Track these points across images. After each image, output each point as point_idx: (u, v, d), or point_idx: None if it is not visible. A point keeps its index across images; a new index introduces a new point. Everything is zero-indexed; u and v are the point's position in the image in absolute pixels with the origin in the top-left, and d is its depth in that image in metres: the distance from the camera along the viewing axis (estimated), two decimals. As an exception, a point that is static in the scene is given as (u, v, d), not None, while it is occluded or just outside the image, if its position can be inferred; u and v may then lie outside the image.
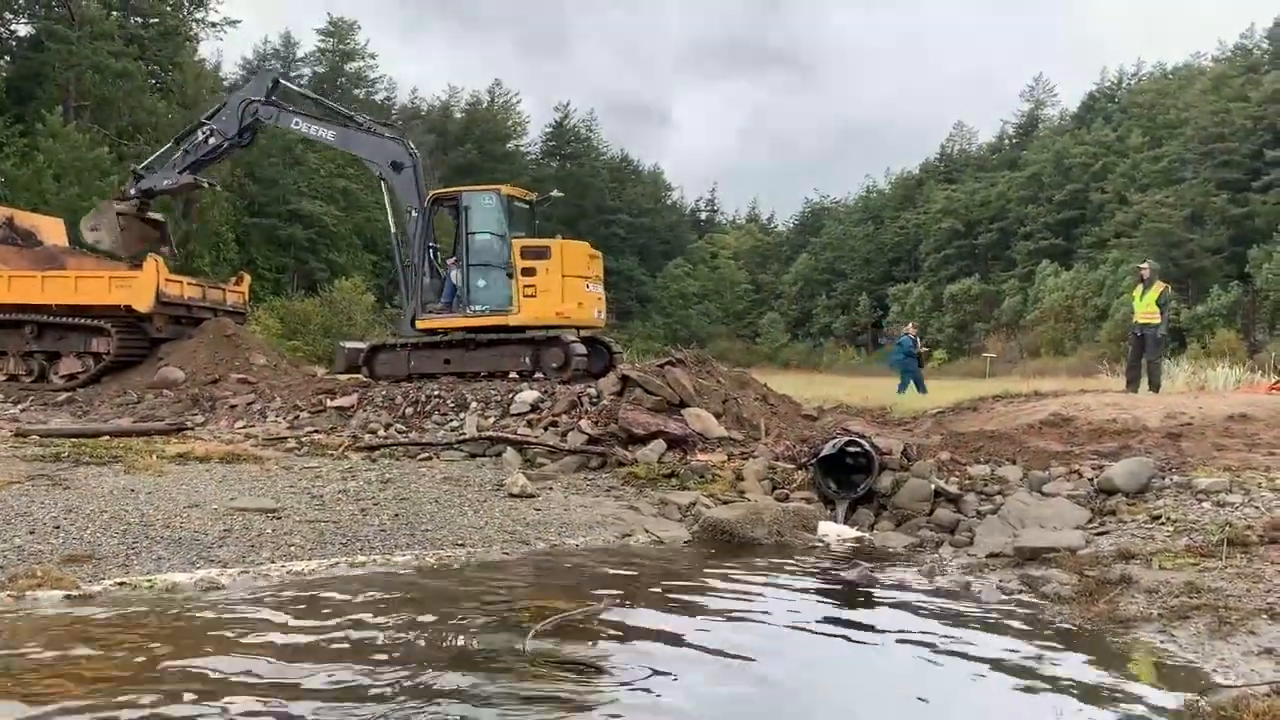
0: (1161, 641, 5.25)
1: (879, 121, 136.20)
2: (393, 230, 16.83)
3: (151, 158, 19.58)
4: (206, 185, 21.16)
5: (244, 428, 13.59)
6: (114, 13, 45.61)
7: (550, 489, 9.74)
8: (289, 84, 18.33)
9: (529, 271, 15.10)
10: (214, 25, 52.80)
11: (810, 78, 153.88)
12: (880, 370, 50.22)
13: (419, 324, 15.82)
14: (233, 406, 14.76)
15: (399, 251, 16.69)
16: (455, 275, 15.70)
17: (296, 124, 17.71)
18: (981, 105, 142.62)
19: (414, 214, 16.05)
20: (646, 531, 8.25)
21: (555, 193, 19.16)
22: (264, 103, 17.35)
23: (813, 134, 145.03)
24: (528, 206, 16.49)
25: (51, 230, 20.68)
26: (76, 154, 37.42)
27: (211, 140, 17.71)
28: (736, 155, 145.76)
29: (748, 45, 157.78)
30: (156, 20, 48.02)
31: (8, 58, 45.28)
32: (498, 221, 15.51)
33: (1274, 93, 59.67)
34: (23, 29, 45.96)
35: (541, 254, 15.27)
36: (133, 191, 18.64)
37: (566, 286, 15.25)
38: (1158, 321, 14.25)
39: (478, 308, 15.45)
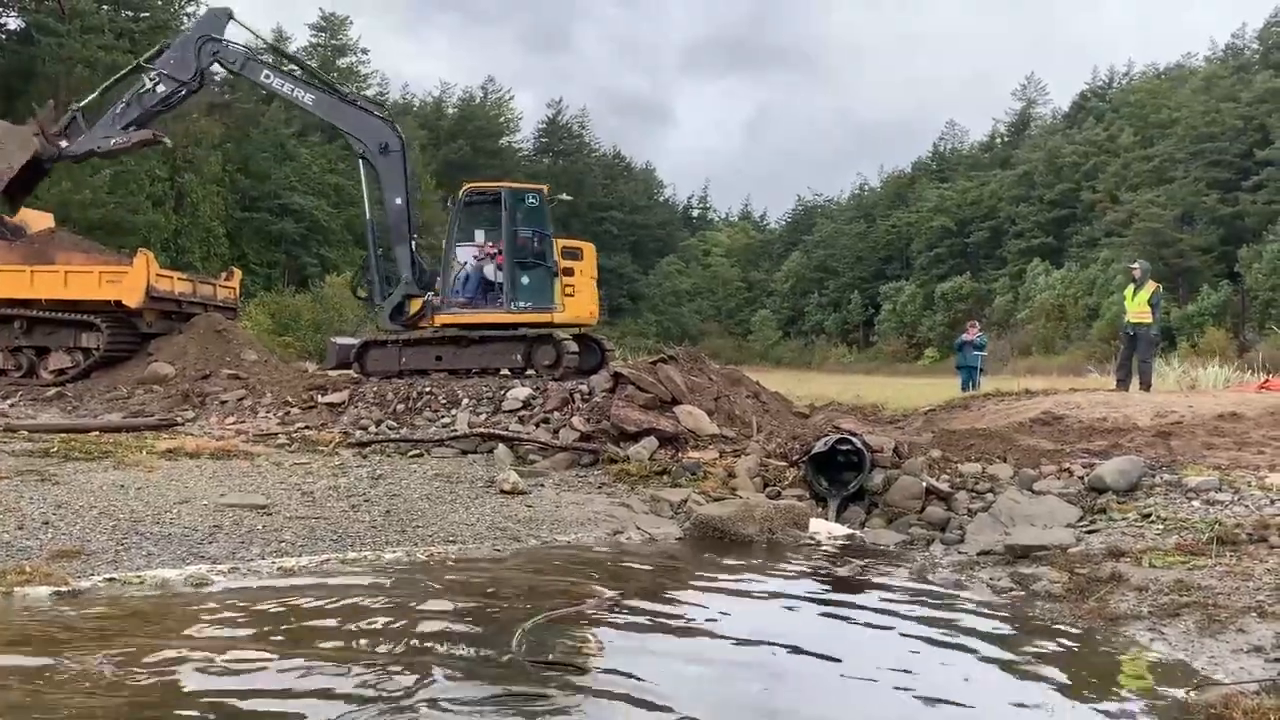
0: (1151, 639, 5.27)
1: (877, 120, 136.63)
2: (368, 216, 16.01)
3: (85, 100, 16.87)
4: (166, 141, 19.02)
5: (234, 424, 13.54)
6: (104, 7, 45.42)
7: (542, 486, 9.72)
8: (247, 27, 16.16)
9: (568, 272, 15.27)
10: (205, 20, 52.60)
11: (810, 76, 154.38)
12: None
13: (440, 319, 15.39)
14: (223, 402, 14.70)
15: (374, 239, 16.06)
16: (490, 270, 15.51)
17: (267, 77, 15.86)
18: (978, 104, 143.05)
19: (399, 202, 15.80)
20: (638, 529, 8.25)
21: (563, 195, 19.08)
22: (229, 43, 15.55)
23: (813, 132, 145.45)
24: None
25: (40, 224, 20.54)
26: (67, 148, 37.16)
27: (161, 88, 15.63)
28: (735, 152, 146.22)
29: (749, 43, 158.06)
30: (147, 14, 47.83)
31: (-3, 51, 45.02)
32: (543, 220, 15.51)
33: (1264, 93, 59.96)
34: (12, 22, 45.73)
35: (576, 255, 15.54)
36: (63, 145, 16.36)
37: (592, 288, 15.61)
38: (1149, 321, 14.28)
39: (522, 304, 15.20)
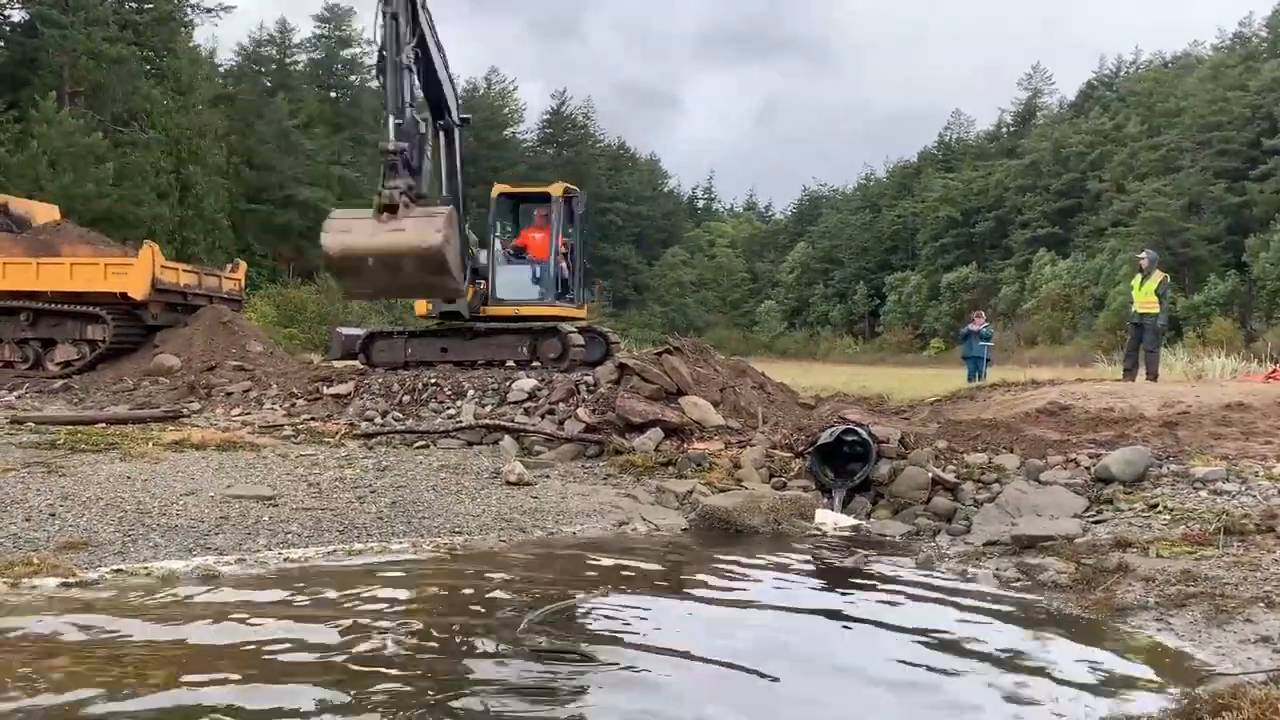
0: (1158, 630, 5.25)
1: (885, 112, 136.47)
2: (444, 193, 14.89)
3: (392, 140, 12.44)
4: None
5: (240, 415, 13.56)
6: (108, -2, 45.38)
7: (547, 477, 9.73)
8: None
9: None
10: (209, 11, 52.63)
11: (817, 67, 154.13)
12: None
13: (524, 310, 15.47)
14: (229, 394, 14.73)
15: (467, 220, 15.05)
16: (564, 267, 16.00)
17: (430, 25, 13.69)
18: (986, 94, 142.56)
19: (460, 180, 15.38)
20: (643, 519, 8.24)
21: None
22: None
23: (820, 123, 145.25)
24: None
25: (46, 217, 20.59)
26: (71, 140, 37.29)
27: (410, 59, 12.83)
28: (740, 142, 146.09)
29: (756, 34, 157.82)
30: (151, 6, 47.77)
31: (1, 43, 45.04)
32: (590, 222, 16.94)
33: (1272, 81, 59.64)
34: (16, 14, 45.74)
35: None
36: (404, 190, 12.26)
37: None
38: (1156, 311, 14.24)
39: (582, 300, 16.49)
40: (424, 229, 12.02)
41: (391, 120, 12.57)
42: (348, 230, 11.87)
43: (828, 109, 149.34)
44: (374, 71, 12.91)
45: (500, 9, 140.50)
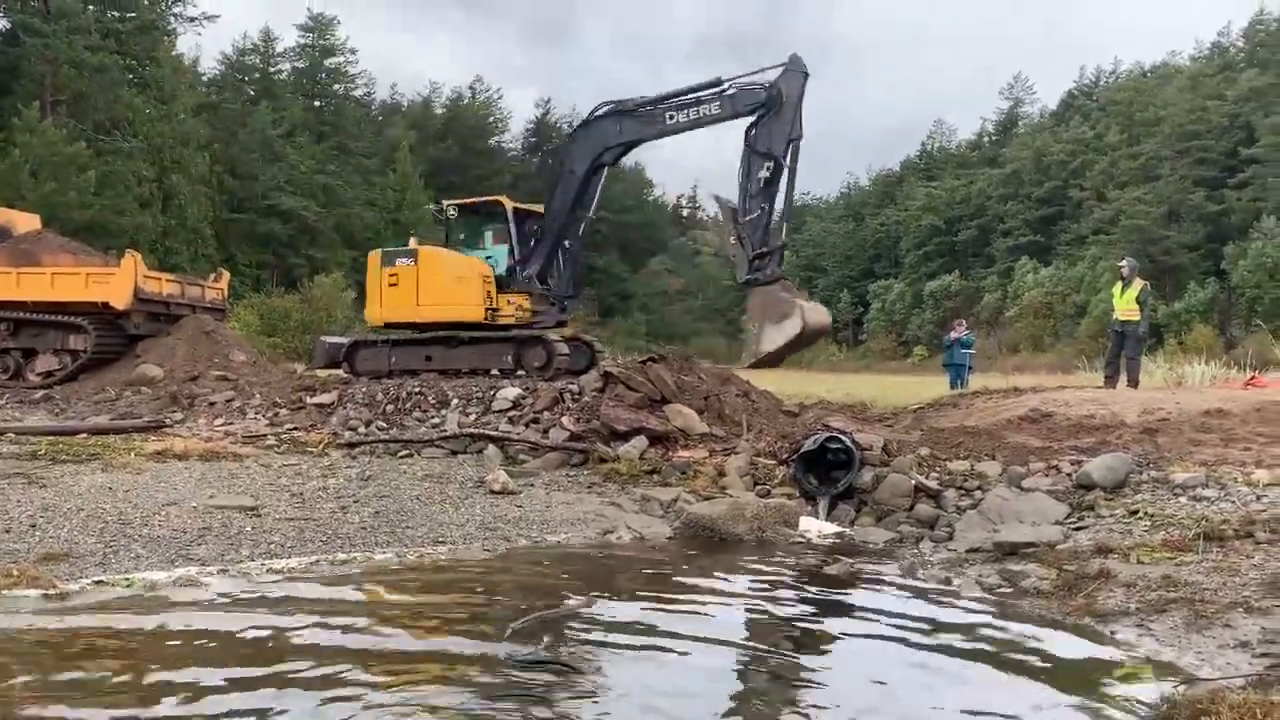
0: (1139, 635, 5.29)
1: (889, 111, 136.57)
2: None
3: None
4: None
5: (223, 425, 13.50)
6: (90, 6, 45.22)
7: (532, 486, 9.72)
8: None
9: None
10: (192, 20, 52.48)
11: (821, 66, 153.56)
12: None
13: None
14: (212, 404, 14.66)
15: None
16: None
17: None
18: (989, 94, 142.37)
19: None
20: (628, 528, 8.25)
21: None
22: None
23: (822, 122, 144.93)
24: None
25: (27, 226, 20.46)
26: (53, 149, 37.09)
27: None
28: (729, 150, 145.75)
29: (758, 33, 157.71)
30: (134, 14, 47.60)
31: (-17, 51, 44.78)
32: None
33: (1250, 90, 60.25)
34: (-3, 23, 45.49)
35: None
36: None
37: None
38: (1137, 318, 14.35)
39: None
40: (825, 313, 13.60)
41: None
42: (813, 310, 12.70)
43: (828, 110, 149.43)
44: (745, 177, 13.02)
45: (494, 13, 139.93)
